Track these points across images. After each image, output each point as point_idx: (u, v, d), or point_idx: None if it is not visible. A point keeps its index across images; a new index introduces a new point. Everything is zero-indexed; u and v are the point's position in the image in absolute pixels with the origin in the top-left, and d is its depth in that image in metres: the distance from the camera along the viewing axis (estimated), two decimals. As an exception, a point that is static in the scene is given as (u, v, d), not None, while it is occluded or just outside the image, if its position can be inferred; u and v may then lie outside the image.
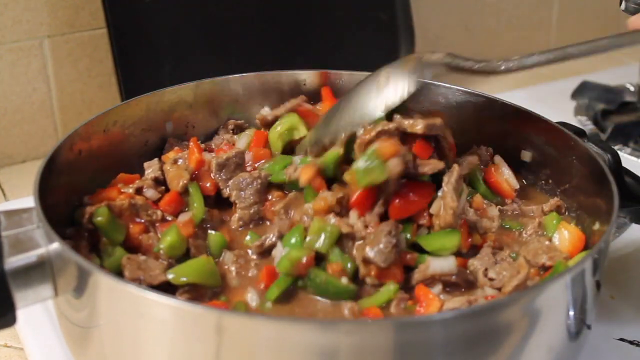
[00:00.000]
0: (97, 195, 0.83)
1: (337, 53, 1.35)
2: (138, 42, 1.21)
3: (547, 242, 0.81)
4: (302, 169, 0.82)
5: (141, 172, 0.91)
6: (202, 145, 0.93)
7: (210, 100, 0.97)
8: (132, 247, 0.78)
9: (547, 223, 0.84)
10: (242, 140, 0.94)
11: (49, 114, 1.26)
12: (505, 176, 0.91)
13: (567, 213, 0.87)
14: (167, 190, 0.86)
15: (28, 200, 0.70)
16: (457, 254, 0.77)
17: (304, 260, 0.73)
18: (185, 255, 0.78)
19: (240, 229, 0.84)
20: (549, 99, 1.44)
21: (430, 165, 0.79)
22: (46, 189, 0.73)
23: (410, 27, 1.40)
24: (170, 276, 0.72)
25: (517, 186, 0.91)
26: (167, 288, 0.72)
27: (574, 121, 1.36)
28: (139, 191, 0.85)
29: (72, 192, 0.82)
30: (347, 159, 0.82)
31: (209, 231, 0.82)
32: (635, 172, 0.87)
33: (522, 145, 0.92)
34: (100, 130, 0.87)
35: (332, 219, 0.77)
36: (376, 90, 0.84)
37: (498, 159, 0.92)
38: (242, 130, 0.98)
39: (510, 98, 0.95)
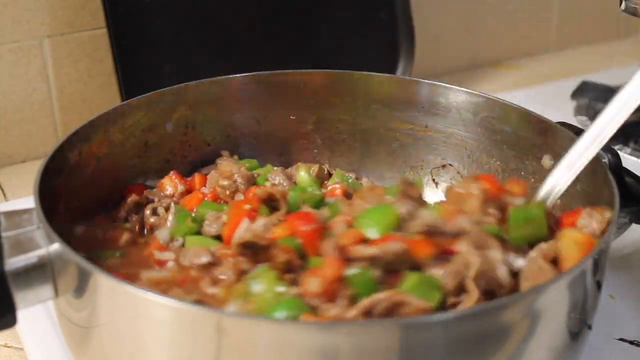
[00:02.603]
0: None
1: (337, 53, 1.35)
2: (138, 42, 1.21)
3: None
4: None
5: (141, 171, 0.92)
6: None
7: (210, 100, 0.97)
8: None
9: None
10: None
11: (49, 114, 1.26)
12: None
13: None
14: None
15: (28, 200, 0.70)
16: None
17: None
18: None
19: None
20: (549, 99, 1.44)
21: None
22: (46, 189, 0.73)
23: (410, 27, 1.40)
24: None
25: None
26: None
27: (574, 121, 1.36)
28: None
29: (72, 192, 0.82)
30: None
31: None
32: (635, 172, 0.87)
33: (521, 145, 0.93)
34: (100, 131, 0.87)
35: None
36: None
37: None
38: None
39: (510, 98, 0.95)
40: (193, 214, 0.87)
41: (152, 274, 0.76)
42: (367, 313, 0.65)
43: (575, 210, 0.79)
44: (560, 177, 0.79)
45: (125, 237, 0.84)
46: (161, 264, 0.80)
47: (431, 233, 0.72)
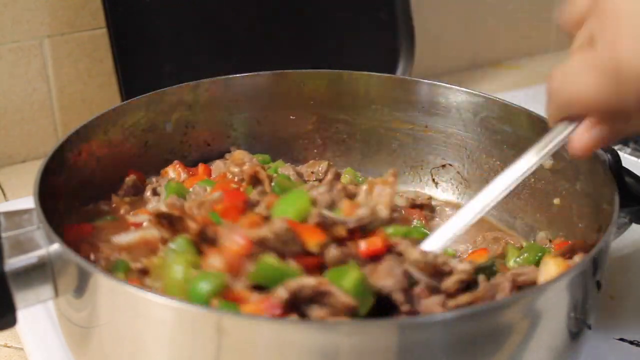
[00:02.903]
0: None
1: (337, 53, 1.35)
2: (138, 42, 1.21)
3: None
4: None
5: (141, 171, 0.92)
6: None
7: (210, 100, 0.97)
8: None
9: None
10: None
11: (49, 114, 1.26)
12: None
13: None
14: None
15: (28, 200, 0.70)
16: None
17: None
18: None
19: None
20: (549, 98, 1.44)
21: None
22: (46, 189, 0.73)
23: (410, 27, 1.40)
24: None
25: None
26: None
27: (573, 121, 1.35)
28: None
29: (72, 192, 0.82)
30: None
31: None
32: (635, 172, 0.87)
33: (521, 145, 0.92)
34: (100, 131, 0.87)
35: None
36: None
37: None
38: None
39: (510, 98, 0.95)
40: (190, 190, 0.87)
41: (121, 238, 0.77)
42: (294, 296, 0.64)
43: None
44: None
45: (125, 208, 0.87)
46: (137, 226, 0.81)
47: (325, 225, 0.71)
